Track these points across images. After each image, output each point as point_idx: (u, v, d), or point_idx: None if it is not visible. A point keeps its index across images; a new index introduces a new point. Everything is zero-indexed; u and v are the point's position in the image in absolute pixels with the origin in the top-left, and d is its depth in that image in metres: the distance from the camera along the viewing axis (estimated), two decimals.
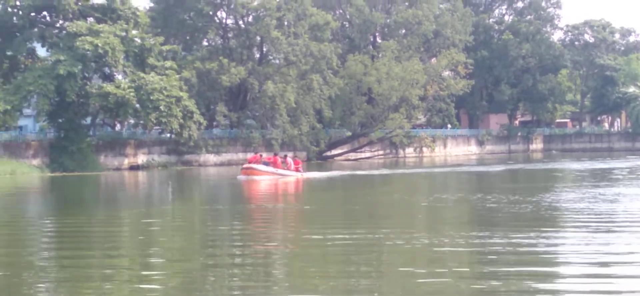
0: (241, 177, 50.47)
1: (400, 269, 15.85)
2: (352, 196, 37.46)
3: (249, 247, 19.52)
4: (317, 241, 20.06)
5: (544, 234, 19.97)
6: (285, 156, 55.51)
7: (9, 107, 62.54)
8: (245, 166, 52.89)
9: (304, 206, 31.48)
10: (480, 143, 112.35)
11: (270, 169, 51.83)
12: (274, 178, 50.38)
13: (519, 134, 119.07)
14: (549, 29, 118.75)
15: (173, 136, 70.61)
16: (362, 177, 54.41)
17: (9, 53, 68.46)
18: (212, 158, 76.08)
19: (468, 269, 15.87)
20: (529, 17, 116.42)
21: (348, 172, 59.30)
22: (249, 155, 60.56)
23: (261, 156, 55.63)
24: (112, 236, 22.62)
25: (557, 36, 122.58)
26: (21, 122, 75.69)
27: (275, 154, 56.66)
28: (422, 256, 17.30)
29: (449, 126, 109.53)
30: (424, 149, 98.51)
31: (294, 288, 13.95)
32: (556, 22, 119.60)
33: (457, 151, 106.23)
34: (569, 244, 18.82)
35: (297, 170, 53.02)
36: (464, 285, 14.09)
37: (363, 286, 13.98)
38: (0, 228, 25.87)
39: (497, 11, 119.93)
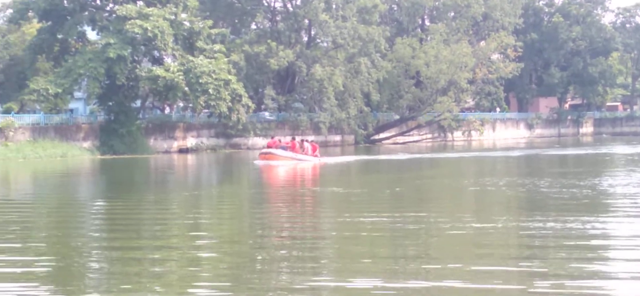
0: (258, 162, 50.01)
1: (449, 252, 15.80)
2: (398, 179, 37.37)
3: (297, 230, 19.58)
4: (364, 224, 20.05)
5: (594, 220, 19.78)
6: (302, 141, 54.88)
7: (60, 91, 63.21)
8: (263, 151, 52.56)
9: (351, 190, 31.47)
10: (530, 127, 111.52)
11: (288, 153, 51.24)
12: (293, 163, 49.84)
13: (569, 117, 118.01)
14: (599, 11, 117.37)
15: (221, 119, 70.89)
16: (386, 162, 54.29)
17: (59, 36, 69.06)
18: (260, 141, 76.30)
19: (517, 253, 15.77)
20: None
21: (371, 156, 59.02)
22: (281, 140, 59.30)
23: (280, 140, 54.96)
24: (161, 218, 22.80)
25: (608, 18, 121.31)
26: (72, 105, 76.58)
27: (293, 138, 56.08)
28: (470, 240, 17.22)
29: (498, 109, 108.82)
30: (473, 132, 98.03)
31: (342, 271, 13.96)
32: (607, 4, 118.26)
33: (506, 134, 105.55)
34: (620, 229, 18.61)
35: (314, 155, 52.65)
36: (513, 268, 14.02)
37: (411, 269, 13.96)
38: (52, 210, 26.18)
39: None
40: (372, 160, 55.00)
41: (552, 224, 18.93)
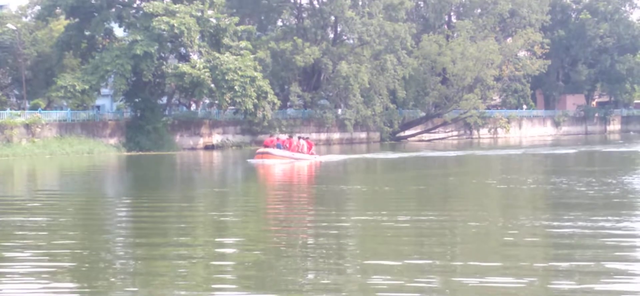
0: (254, 161, 49.20)
1: (474, 251, 15.73)
2: (423, 177, 37.28)
3: (320, 228, 19.55)
4: (389, 222, 20.01)
5: (623, 218, 19.62)
6: (299, 138, 53.97)
7: (87, 87, 63.48)
8: (259, 150, 51.47)
9: (376, 188, 31.42)
10: (557, 124, 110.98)
11: (284, 153, 50.49)
12: (289, 161, 49.10)
13: (596, 115, 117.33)
14: (627, 9, 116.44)
15: (247, 116, 70.98)
16: (394, 161, 53.85)
17: (87, 33, 69.36)
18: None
19: (543, 252, 15.68)
20: None
21: (370, 155, 58.27)
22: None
23: (278, 139, 54.13)
24: (187, 216, 22.85)
25: (636, 15, 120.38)
26: (99, 101, 76.98)
27: (291, 136, 55.05)
28: (496, 238, 17.14)
29: (525, 106, 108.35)
30: (499, 130, 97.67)
31: (367, 270, 13.93)
32: (635, 1, 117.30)
33: (532, 132, 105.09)
34: None
35: (310, 153, 52.05)
36: (540, 265, 13.93)
37: (437, 268, 13.90)
38: (78, 207, 26.30)
39: None
40: (376, 159, 53.94)
41: (580, 222, 18.80)
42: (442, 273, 13.38)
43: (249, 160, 50.98)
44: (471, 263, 14.38)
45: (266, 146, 51.57)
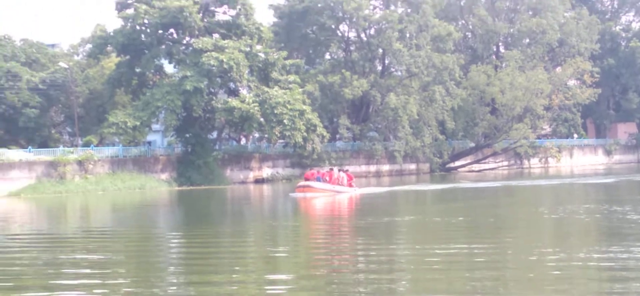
0: (295, 194, 49.30)
1: (526, 282, 15.65)
2: (473, 207, 37.11)
3: (371, 261, 19.55)
4: (440, 253, 19.96)
5: None
6: (339, 170, 53.96)
7: (138, 123, 64.05)
8: (300, 184, 51.58)
9: (427, 218, 31.34)
10: (608, 153, 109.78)
11: (326, 185, 50.57)
12: (330, 194, 49.25)
13: None
14: None
15: (297, 149, 71.15)
16: (442, 192, 53.55)
17: (137, 70, 70.04)
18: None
19: (597, 284, 15.55)
20: None
21: (413, 187, 58.01)
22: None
23: (318, 171, 53.67)
24: (238, 250, 22.97)
25: None
26: (150, 137, 77.64)
27: (331, 169, 55.04)
28: (548, 269, 17.03)
29: (576, 135, 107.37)
30: (550, 159, 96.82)
31: None
32: None
33: (583, 161, 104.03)
34: None
35: (350, 185, 52.03)
36: None
37: None
38: (131, 242, 26.55)
39: (624, 18, 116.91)
40: (420, 191, 53.72)
41: (635, 254, 18.60)
42: None
43: (290, 194, 51.12)
44: (524, 295, 14.33)
45: (307, 179, 51.66)
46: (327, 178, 51.54)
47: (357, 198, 47.43)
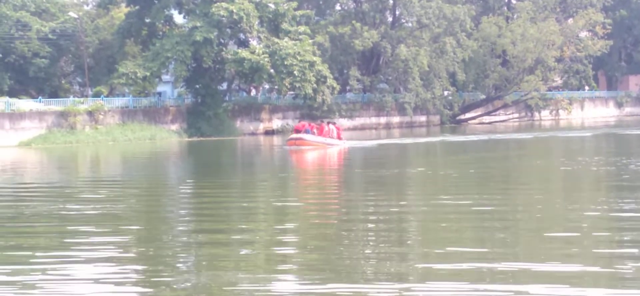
0: (288, 147, 48.79)
1: (537, 234, 15.62)
2: (486, 160, 37.06)
3: (381, 213, 19.54)
4: (451, 206, 19.94)
5: None
6: (328, 123, 53.23)
7: (148, 74, 64.04)
8: (292, 136, 50.86)
9: (438, 171, 31.31)
10: (619, 105, 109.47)
11: (317, 138, 49.92)
12: (321, 147, 48.70)
13: None
14: None
15: (307, 100, 71.03)
16: (451, 144, 53.53)
17: (147, 20, 69.85)
18: (345, 122, 76.23)
19: (607, 234, 15.51)
20: None
21: (396, 140, 57.78)
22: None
23: (309, 124, 52.70)
24: (248, 201, 23.00)
25: None
26: (160, 88, 77.54)
27: (321, 122, 54.27)
28: (560, 223, 17.00)
29: (587, 88, 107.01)
30: (561, 112, 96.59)
31: (429, 256, 13.92)
32: None
33: (594, 113, 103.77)
34: None
35: (339, 138, 51.44)
36: (603, 250, 13.80)
37: (497, 253, 13.83)
38: (142, 193, 26.61)
39: None
40: (404, 144, 53.37)
41: None
42: (504, 259, 13.30)
43: (283, 147, 50.60)
44: (534, 248, 14.29)
45: (297, 131, 51.12)
46: (317, 131, 51.01)
47: (344, 150, 46.74)
